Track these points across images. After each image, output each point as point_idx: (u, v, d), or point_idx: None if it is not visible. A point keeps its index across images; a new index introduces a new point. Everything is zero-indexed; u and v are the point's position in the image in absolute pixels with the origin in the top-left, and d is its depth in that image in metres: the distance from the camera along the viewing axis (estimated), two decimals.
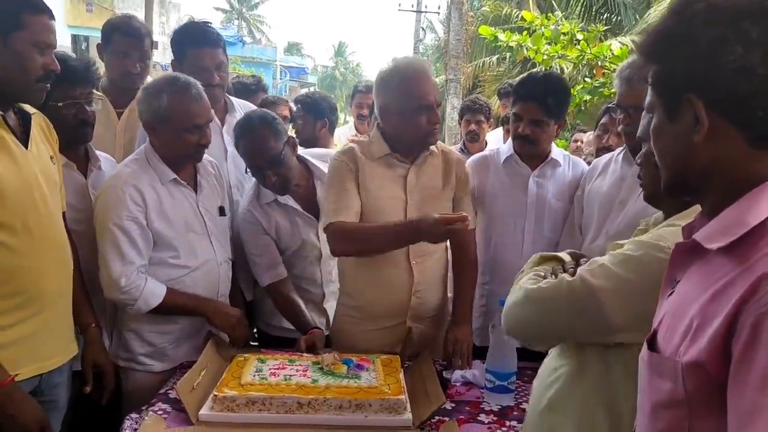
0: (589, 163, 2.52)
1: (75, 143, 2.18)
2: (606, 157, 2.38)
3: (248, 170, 2.39)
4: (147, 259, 2.11)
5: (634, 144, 2.08)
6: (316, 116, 3.61)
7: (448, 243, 2.32)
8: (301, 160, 2.51)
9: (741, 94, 0.80)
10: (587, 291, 1.22)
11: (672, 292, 0.91)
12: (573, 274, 1.29)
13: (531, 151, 2.40)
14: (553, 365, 1.39)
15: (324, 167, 2.48)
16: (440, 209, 2.21)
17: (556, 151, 2.48)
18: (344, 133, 4.55)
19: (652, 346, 0.89)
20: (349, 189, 2.19)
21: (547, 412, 1.36)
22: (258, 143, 2.29)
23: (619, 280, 1.20)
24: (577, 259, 1.43)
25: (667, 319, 0.88)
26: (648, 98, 0.95)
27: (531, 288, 1.31)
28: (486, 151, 2.73)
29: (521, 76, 2.50)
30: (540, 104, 2.28)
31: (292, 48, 50.21)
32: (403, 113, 2.15)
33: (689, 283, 0.86)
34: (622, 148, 2.27)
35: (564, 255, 1.46)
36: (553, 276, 1.34)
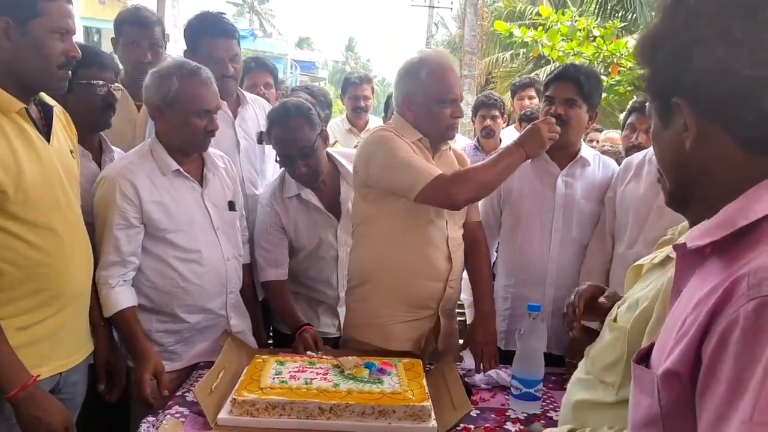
0: (619, 164, 2.45)
1: (97, 127, 2.17)
2: (639, 156, 2.30)
3: (278, 159, 2.35)
4: (129, 256, 2.03)
5: None
6: None
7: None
8: (330, 158, 2.47)
9: (727, 97, 0.75)
10: None
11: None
12: None
13: (561, 136, 2.25)
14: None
15: (351, 167, 2.42)
16: None
17: (586, 150, 2.42)
18: (336, 126, 4.40)
19: (645, 360, 0.85)
20: (418, 155, 2.11)
21: None
22: (292, 132, 2.27)
23: None
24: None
25: (662, 332, 0.84)
26: (648, 104, 0.91)
27: None
28: None
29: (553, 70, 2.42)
30: (574, 82, 2.24)
31: (303, 42, 50.10)
32: (429, 104, 2.12)
33: (686, 292, 0.82)
34: None
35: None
36: None
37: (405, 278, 2.19)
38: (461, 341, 2.42)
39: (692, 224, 1.24)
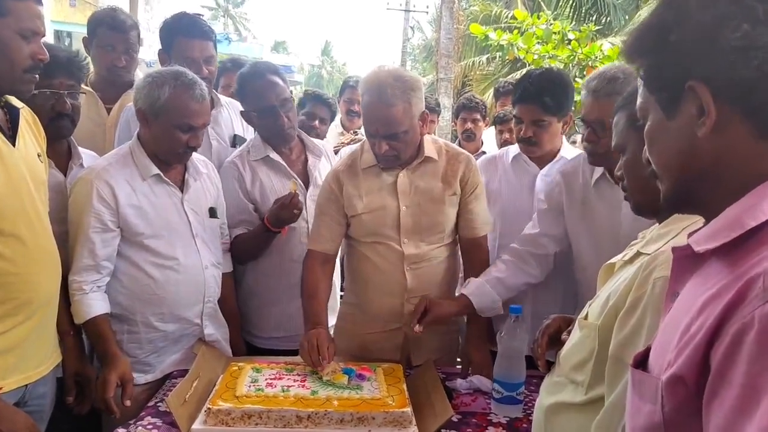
0: None
1: (52, 138, 2.00)
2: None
3: (258, 114, 2.37)
4: (103, 260, 1.97)
5: (600, 162, 1.97)
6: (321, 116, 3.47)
7: (457, 247, 2.26)
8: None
9: (749, 77, 0.72)
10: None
11: (672, 307, 0.83)
12: None
13: (535, 153, 2.33)
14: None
15: (317, 142, 2.57)
16: (441, 213, 2.14)
17: (567, 150, 2.39)
18: (330, 130, 4.40)
19: (642, 364, 0.82)
20: (328, 214, 2.18)
21: None
22: (271, 84, 2.35)
23: None
24: None
25: (660, 334, 0.81)
26: (639, 101, 0.87)
27: None
28: (496, 151, 2.65)
29: (522, 75, 2.41)
30: (538, 104, 2.21)
31: (279, 46, 49.99)
32: (365, 130, 2.11)
33: (686, 294, 0.79)
34: None
35: None
36: None
37: (366, 291, 2.20)
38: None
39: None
